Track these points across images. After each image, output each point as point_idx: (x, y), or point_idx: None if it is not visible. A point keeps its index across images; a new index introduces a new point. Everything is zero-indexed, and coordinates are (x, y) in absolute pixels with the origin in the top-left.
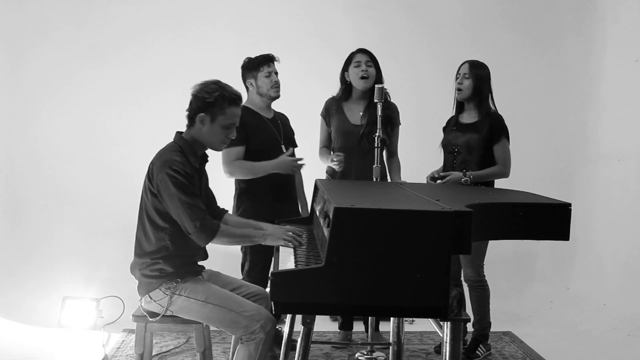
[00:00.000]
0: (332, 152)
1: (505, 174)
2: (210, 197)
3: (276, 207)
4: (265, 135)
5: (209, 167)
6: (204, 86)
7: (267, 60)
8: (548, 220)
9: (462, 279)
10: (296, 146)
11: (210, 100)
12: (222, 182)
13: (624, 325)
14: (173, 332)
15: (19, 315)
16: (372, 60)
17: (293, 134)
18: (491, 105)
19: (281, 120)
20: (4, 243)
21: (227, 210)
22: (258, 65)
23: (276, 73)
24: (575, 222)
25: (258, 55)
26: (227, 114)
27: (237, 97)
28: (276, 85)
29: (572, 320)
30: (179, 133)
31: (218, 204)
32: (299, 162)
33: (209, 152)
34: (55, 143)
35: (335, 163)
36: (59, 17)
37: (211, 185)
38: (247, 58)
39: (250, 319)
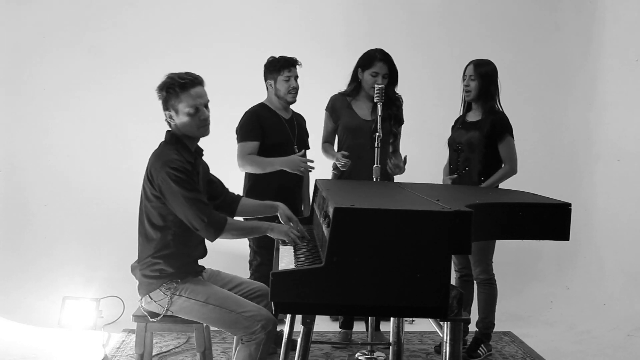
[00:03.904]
0: (336, 148)
1: (513, 171)
2: (218, 186)
3: None
4: (280, 134)
5: (218, 161)
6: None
7: (288, 64)
8: (548, 220)
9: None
10: (308, 148)
11: (162, 95)
12: (230, 176)
13: (624, 325)
14: (173, 332)
15: (19, 315)
16: (390, 70)
17: (307, 136)
18: (498, 104)
19: (297, 122)
20: (4, 243)
21: (242, 196)
22: (280, 69)
23: (296, 78)
24: (576, 222)
25: (281, 56)
26: (183, 99)
27: (187, 80)
28: (294, 91)
29: (572, 320)
30: (169, 132)
31: (231, 191)
32: (307, 164)
33: (206, 146)
34: (55, 143)
35: (342, 164)
36: (59, 18)
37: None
38: (270, 57)
39: (251, 319)
